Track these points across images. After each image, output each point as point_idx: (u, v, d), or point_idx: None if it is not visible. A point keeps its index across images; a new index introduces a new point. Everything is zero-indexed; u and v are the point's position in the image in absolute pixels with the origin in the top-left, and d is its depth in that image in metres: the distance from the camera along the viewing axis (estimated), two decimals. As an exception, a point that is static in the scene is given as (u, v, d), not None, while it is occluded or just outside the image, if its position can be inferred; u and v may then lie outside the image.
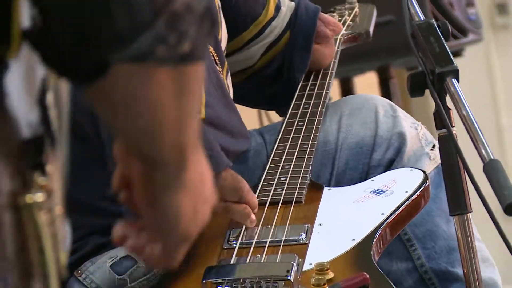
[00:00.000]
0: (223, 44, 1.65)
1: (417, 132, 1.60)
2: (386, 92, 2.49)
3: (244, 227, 1.40)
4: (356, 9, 1.94)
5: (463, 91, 1.36)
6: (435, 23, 1.44)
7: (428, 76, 1.39)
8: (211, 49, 1.63)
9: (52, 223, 0.72)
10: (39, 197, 0.68)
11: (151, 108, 0.72)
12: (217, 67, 1.59)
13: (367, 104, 1.69)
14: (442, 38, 1.42)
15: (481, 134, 1.23)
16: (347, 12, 1.91)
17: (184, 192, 0.79)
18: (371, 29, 1.87)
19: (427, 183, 1.44)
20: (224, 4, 1.70)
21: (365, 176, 1.59)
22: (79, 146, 1.43)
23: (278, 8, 1.80)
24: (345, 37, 1.85)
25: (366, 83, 2.69)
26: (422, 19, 1.47)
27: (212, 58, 1.61)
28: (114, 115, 0.72)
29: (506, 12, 3.90)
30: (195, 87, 0.75)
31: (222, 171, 1.40)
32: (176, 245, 0.84)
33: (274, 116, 2.02)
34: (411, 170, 1.51)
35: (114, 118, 0.73)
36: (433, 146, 1.58)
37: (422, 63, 1.43)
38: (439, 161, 1.56)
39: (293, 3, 1.83)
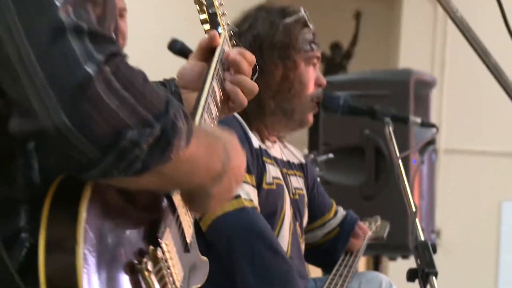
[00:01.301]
0: (304, 224, 2.25)
1: None
2: (375, 270, 3.24)
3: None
4: (378, 222, 2.58)
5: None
6: (429, 243, 2.00)
7: (419, 272, 1.95)
8: (298, 227, 2.18)
9: (161, 279, 0.91)
10: (149, 264, 0.86)
11: (149, 187, 0.90)
12: (299, 237, 2.18)
13: (375, 278, 2.29)
14: (431, 252, 1.97)
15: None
16: (373, 223, 2.55)
17: (213, 199, 1.04)
18: (385, 235, 2.54)
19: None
20: (309, 203, 2.30)
21: None
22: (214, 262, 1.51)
23: (336, 213, 2.41)
24: (370, 237, 2.46)
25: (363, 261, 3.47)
26: (423, 239, 2.03)
27: (298, 232, 2.17)
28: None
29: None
30: (181, 171, 0.91)
31: None
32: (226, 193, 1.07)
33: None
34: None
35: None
36: None
37: (417, 264, 1.97)
38: None
39: (344, 212, 2.43)
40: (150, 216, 1.00)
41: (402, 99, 3.07)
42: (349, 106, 2.09)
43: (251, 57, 1.36)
